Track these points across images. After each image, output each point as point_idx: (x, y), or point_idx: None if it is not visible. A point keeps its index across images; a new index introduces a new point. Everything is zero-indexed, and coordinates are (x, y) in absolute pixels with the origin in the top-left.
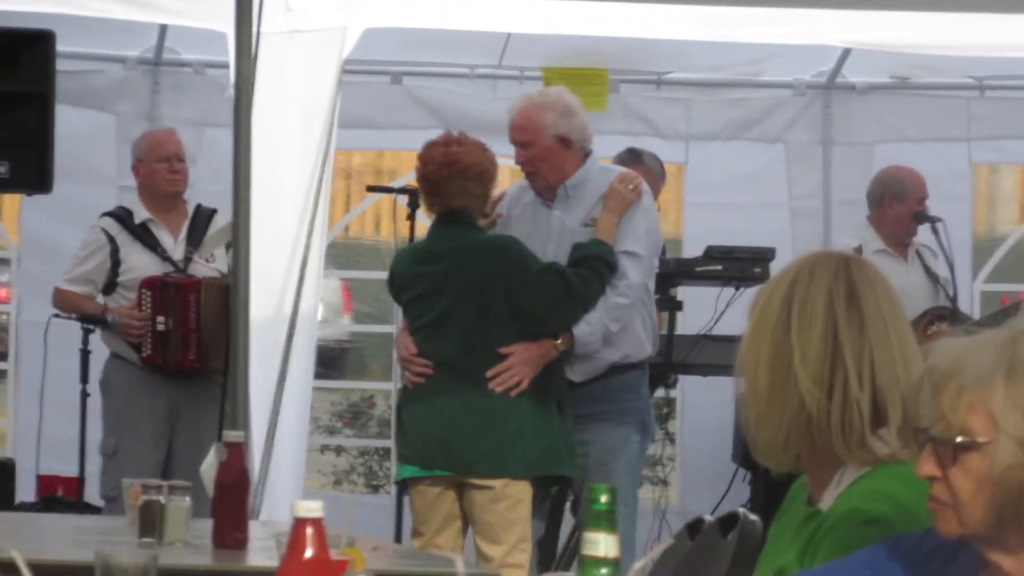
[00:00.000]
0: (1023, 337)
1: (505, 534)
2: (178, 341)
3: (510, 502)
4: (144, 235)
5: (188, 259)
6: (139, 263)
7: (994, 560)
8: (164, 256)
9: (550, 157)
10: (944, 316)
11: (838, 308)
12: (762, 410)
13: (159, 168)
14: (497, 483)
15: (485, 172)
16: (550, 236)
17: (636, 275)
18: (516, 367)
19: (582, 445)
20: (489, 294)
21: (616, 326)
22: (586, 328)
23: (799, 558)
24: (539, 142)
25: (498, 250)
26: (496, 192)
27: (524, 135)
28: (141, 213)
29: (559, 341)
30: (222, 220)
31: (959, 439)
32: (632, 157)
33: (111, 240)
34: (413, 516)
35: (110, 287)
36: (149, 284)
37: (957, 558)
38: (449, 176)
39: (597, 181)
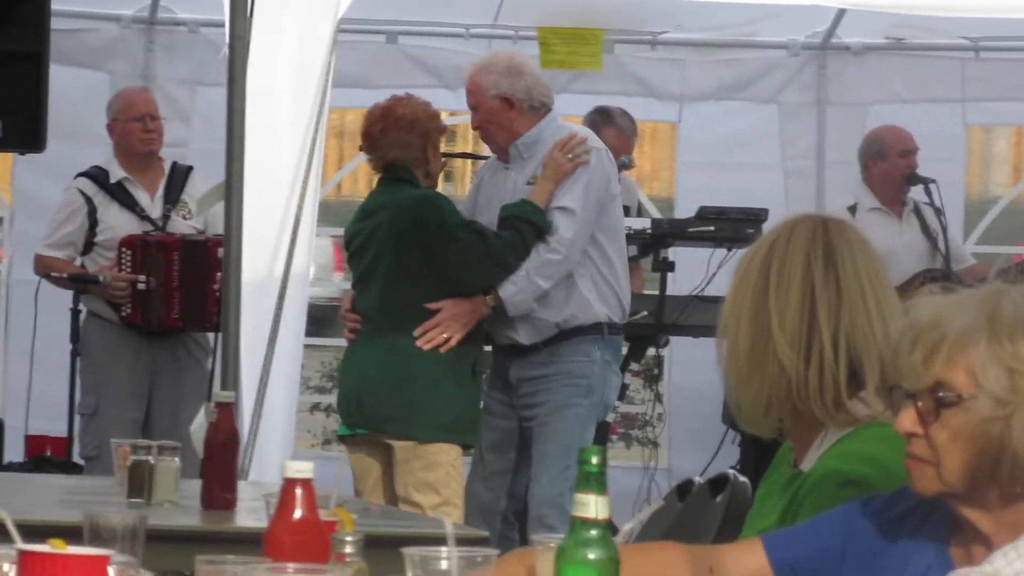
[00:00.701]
0: (1004, 295)
1: (422, 496)
2: (161, 300)
3: (423, 462)
4: (121, 194)
5: (166, 217)
6: (117, 222)
7: (970, 518)
8: (142, 215)
9: (495, 119)
10: (936, 278)
11: (815, 270)
12: (743, 374)
13: (133, 127)
14: (407, 444)
15: (418, 122)
16: (504, 197)
17: (568, 230)
18: (444, 323)
19: (528, 408)
20: (407, 250)
21: (548, 283)
22: (512, 288)
23: (780, 520)
24: (482, 104)
25: (418, 206)
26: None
27: (470, 99)
28: (117, 172)
29: (488, 297)
30: (200, 179)
31: (941, 394)
32: (602, 117)
33: (88, 200)
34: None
35: (87, 247)
36: (129, 243)
37: (930, 518)
38: (384, 128)
39: (551, 139)
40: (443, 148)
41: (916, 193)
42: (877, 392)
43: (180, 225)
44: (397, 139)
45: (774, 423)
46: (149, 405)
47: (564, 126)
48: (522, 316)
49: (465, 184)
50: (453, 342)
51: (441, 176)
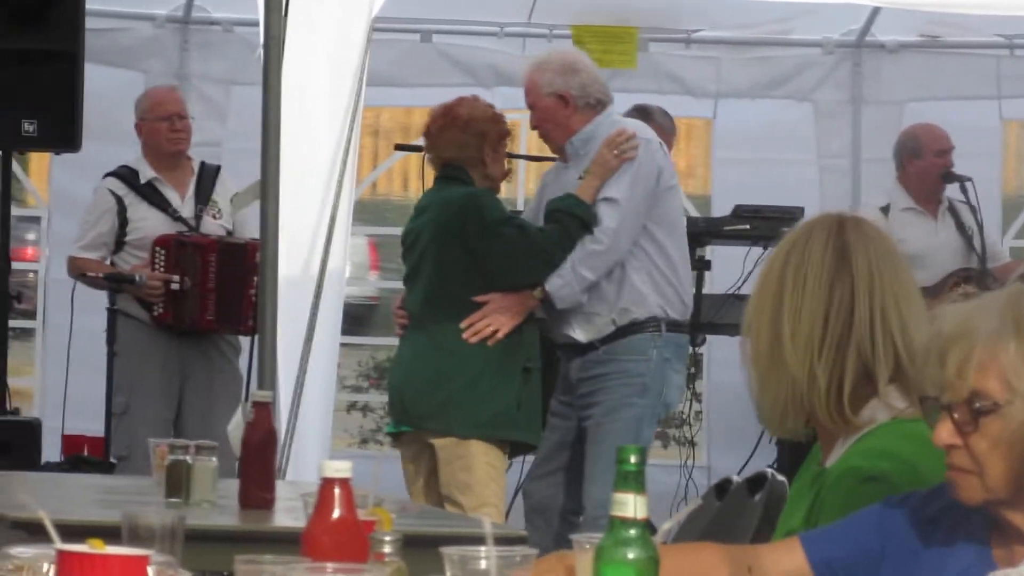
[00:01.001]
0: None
1: (461, 496)
2: (196, 300)
3: (462, 463)
4: (151, 194)
5: (198, 217)
6: (148, 222)
7: (1014, 522)
8: (175, 215)
9: (552, 116)
10: (971, 277)
11: (828, 272)
12: (762, 378)
13: (161, 127)
14: (447, 442)
15: (474, 121)
16: (562, 194)
17: (611, 220)
18: (491, 316)
19: (586, 408)
20: (450, 247)
21: (593, 274)
22: (558, 281)
23: (806, 518)
24: (539, 103)
25: (461, 203)
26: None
27: (528, 97)
28: (147, 172)
29: (536, 291)
30: (229, 178)
31: (977, 404)
32: (641, 114)
33: (119, 200)
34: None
35: (118, 246)
36: (163, 243)
37: (970, 517)
38: (442, 126)
39: (607, 135)
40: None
41: (951, 191)
42: (898, 389)
43: (211, 225)
44: (453, 138)
45: (792, 427)
46: (180, 405)
47: (620, 122)
48: (577, 312)
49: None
50: (500, 335)
51: None
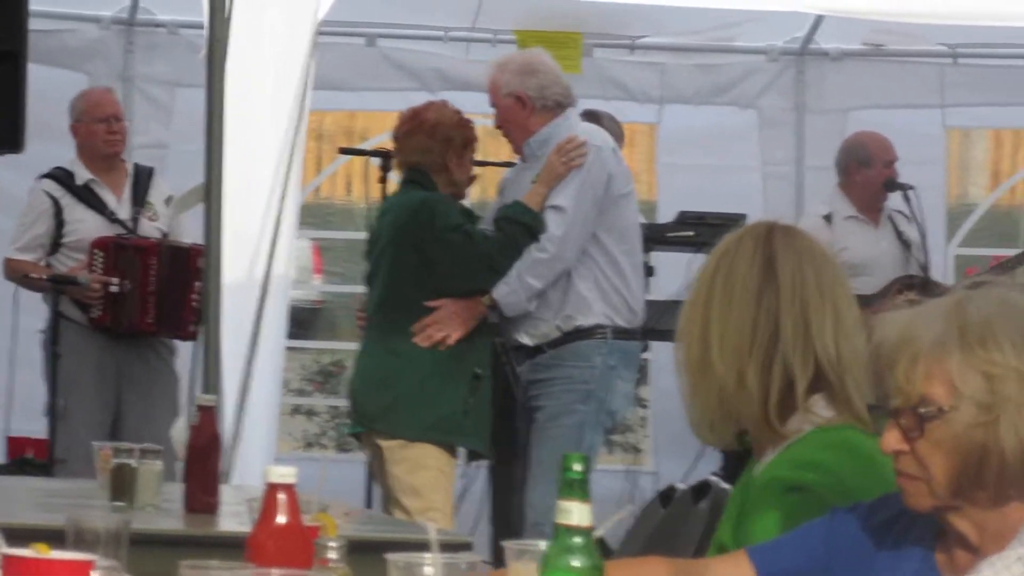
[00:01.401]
0: (969, 302)
1: (407, 499)
2: (136, 303)
3: (408, 465)
4: (88, 196)
5: (135, 219)
6: (85, 224)
7: (958, 528)
8: (112, 217)
9: (510, 117)
10: (913, 284)
11: (755, 281)
12: (692, 386)
13: (98, 129)
14: (394, 443)
15: (440, 127)
16: (519, 195)
17: (558, 228)
18: (442, 321)
19: (532, 412)
20: (403, 251)
21: (539, 282)
22: (504, 288)
23: (733, 528)
24: (498, 103)
25: (416, 207)
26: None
27: (490, 98)
28: (82, 174)
29: (485, 297)
30: (162, 181)
31: (923, 409)
32: (590, 119)
33: (55, 202)
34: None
35: (54, 247)
36: (102, 245)
37: (915, 524)
38: (408, 131)
39: (563, 137)
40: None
41: (893, 200)
42: (825, 399)
43: (147, 227)
44: (418, 143)
45: (720, 434)
46: (118, 407)
47: (577, 126)
48: (524, 317)
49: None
50: (451, 340)
51: None
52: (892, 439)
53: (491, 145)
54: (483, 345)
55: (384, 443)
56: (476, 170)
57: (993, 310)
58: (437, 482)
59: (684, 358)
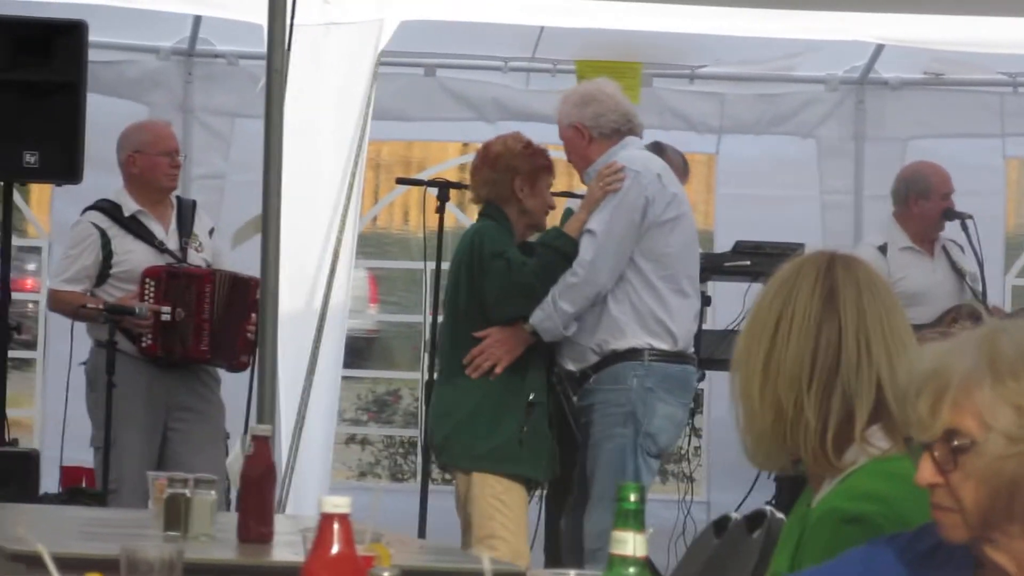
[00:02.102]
0: (1001, 334)
1: (470, 529)
2: (189, 332)
3: (468, 495)
4: (136, 227)
5: (184, 249)
6: (134, 254)
7: (995, 559)
8: (162, 247)
9: (572, 147)
10: (969, 313)
11: (816, 312)
12: (750, 412)
13: (162, 162)
14: (457, 474)
15: (502, 158)
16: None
17: (587, 252)
18: (489, 350)
19: (584, 437)
20: (458, 282)
21: (572, 307)
22: (540, 314)
23: (791, 559)
24: (562, 133)
25: (468, 238)
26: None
27: (559, 130)
28: (130, 205)
29: (526, 325)
30: (204, 213)
31: (955, 442)
32: (655, 151)
33: (103, 233)
34: None
35: (101, 278)
36: (154, 274)
37: (953, 558)
38: (477, 165)
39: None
40: None
41: (947, 230)
42: (883, 430)
43: (195, 257)
44: (485, 176)
45: (775, 463)
46: (164, 436)
47: (631, 155)
48: (565, 343)
49: None
50: (499, 369)
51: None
52: (927, 472)
53: (570, 177)
54: (536, 372)
55: (456, 474)
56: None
57: None
58: (495, 510)
59: (741, 385)
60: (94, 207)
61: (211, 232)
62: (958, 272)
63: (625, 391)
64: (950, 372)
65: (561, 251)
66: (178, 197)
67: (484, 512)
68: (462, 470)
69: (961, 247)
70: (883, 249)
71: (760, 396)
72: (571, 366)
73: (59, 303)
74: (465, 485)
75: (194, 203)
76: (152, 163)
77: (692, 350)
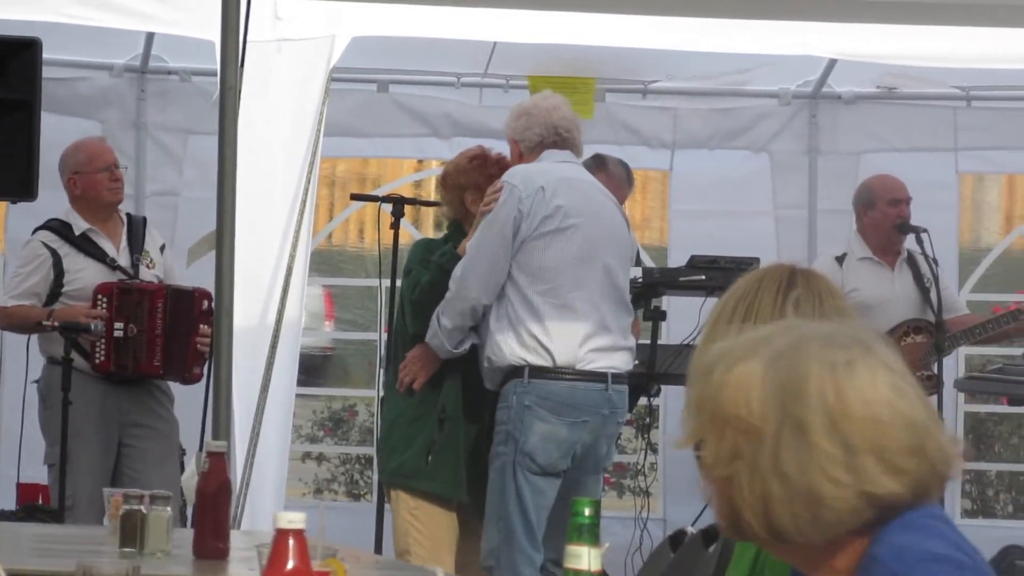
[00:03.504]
0: None
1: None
2: (143, 347)
3: (391, 508)
4: (87, 245)
5: (135, 265)
6: (85, 272)
7: None
8: (113, 264)
9: (512, 161)
10: (920, 328)
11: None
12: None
13: (101, 179)
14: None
15: (448, 176)
16: None
17: (458, 268)
18: (408, 365)
19: None
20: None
21: (449, 321)
22: (429, 331)
23: (751, 571)
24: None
25: (410, 254)
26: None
27: None
28: (80, 224)
29: None
30: (154, 229)
31: None
32: (596, 164)
33: (53, 252)
34: None
35: (52, 297)
36: (105, 290)
37: None
38: (438, 186)
39: None
40: (434, 197)
41: (910, 243)
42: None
43: (147, 274)
44: (442, 196)
45: None
46: (118, 452)
47: (520, 169)
48: (479, 359)
49: None
50: (416, 384)
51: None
52: None
53: None
54: (451, 388)
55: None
56: None
57: None
58: (409, 525)
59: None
60: (44, 227)
61: (162, 248)
62: (923, 285)
63: (506, 409)
64: None
65: (444, 268)
66: (128, 214)
67: (400, 527)
68: (384, 483)
69: (933, 260)
70: (841, 259)
71: None
72: (487, 384)
73: (10, 318)
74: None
75: (144, 219)
76: (91, 181)
77: (591, 365)
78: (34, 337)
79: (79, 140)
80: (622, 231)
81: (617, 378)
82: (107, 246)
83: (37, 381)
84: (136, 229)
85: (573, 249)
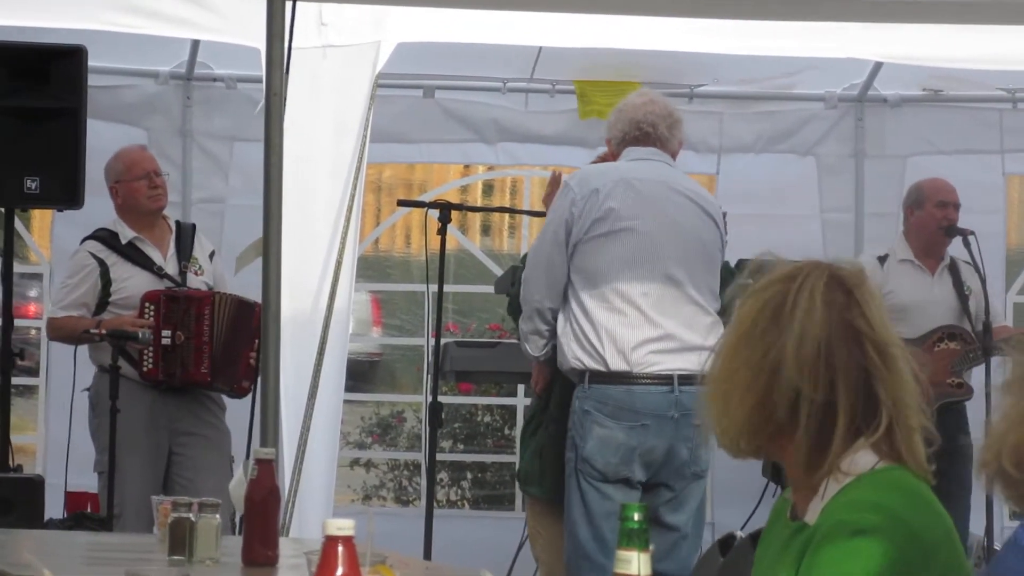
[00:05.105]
0: None
1: None
2: (190, 355)
3: None
4: (134, 254)
5: (183, 273)
6: (133, 281)
7: None
8: (160, 272)
9: (608, 158)
10: (955, 335)
11: (826, 317)
12: (733, 403)
13: (139, 186)
14: None
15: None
16: None
17: (525, 269)
18: (534, 371)
19: None
20: None
21: (523, 324)
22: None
23: (793, 574)
24: None
25: None
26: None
27: None
28: (126, 233)
29: None
30: (203, 236)
31: None
32: None
33: (101, 262)
34: None
35: (101, 307)
36: (152, 298)
37: None
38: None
39: None
40: (481, 203)
41: (956, 250)
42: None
43: (194, 281)
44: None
45: (749, 450)
46: (168, 461)
47: (586, 169)
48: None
49: (503, 238)
50: (537, 388)
51: (479, 230)
52: None
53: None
54: (558, 391)
55: None
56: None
57: None
58: (535, 532)
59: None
60: (92, 236)
61: (212, 255)
62: (962, 292)
63: (572, 414)
64: None
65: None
66: (177, 221)
67: (530, 534)
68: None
69: (976, 266)
70: (882, 259)
71: (749, 393)
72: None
73: (58, 330)
74: None
75: (193, 226)
76: (131, 190)
77: (652, 368)
78: (81, 346)
79: (121, 149)
80: (695, 231)
81: (687, 379)
82: (154, 254)
83: (88, 389)
84: (184, 236)
85: (625, 252)
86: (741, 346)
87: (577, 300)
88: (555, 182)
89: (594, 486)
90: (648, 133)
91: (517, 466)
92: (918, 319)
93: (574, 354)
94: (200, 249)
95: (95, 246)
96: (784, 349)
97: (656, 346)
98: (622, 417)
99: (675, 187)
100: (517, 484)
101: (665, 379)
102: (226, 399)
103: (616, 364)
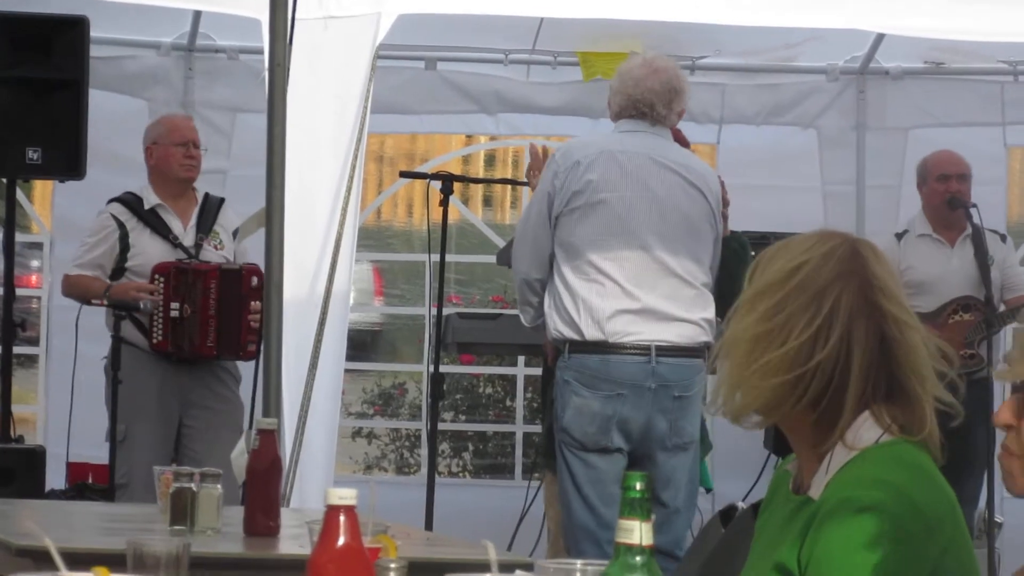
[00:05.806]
0: None
1: None
2: (196, 327)
3: None
4: (154, 221)
5: (199, 246)
6: (149, 249)
7: None
8: (175, 243)
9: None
10: (969, 306)
11: (846, 290)
12: (743, 371)
13: (176, 152)
14: None
15: None
16: None
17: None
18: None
19: None
20: None
21: (517, 295)
22: None
23: (797, 549)
24: None
25: None
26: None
27: None
28: (151, 198)
29: None
30: (232, 212)
31: None
32: None
33: (121, 226)
34: None
35: (118, 272)
36: (163, 270)
37: None
38: None
39: None
40: (482, 174)
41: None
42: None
43: (211, 255)
44: None
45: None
46: (179, 432)
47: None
48: None
49: (505, 209)
50: (550, 361)
51: (480, 201)
52: (1005, 413)
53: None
54: (550, 367)
55: None
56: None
57: None
58: (549, 507)
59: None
60: (118, 199)
61: (235, 234)
62: (984, 262)
63: (555, 385)
64: None
65: None
66: (207, 194)
67: (545, 506)
68: None
69: (1003, 236)
70: (900, 235)
71: (767, 361)
72: None
73: (71, 287)
74: None
75: (222, 200)
76: (165, 153)
77: (628, 338)
78: (82, 318)
79: (166, 114)
80: (675, 203)
81: (665, 351)
82: (174, 223)
83: (106, 358)
84: (209, 209)
85: (601, 224)
86: (763, 317)
87: (559, 272)
88: (535, 154)
89: (576, 455)
90: (644, 112)
91: (517, 435)
92: (936, 292)
93: (555, 325)
94: (225, 223)
95: (118, 208)
96: (812, 322)
97: (633, 316)
98: (598, 387)
99: (660, 159)
100: (517, 454)
101: (642, 349)
102: (242, 367)
103: (591, 333)
